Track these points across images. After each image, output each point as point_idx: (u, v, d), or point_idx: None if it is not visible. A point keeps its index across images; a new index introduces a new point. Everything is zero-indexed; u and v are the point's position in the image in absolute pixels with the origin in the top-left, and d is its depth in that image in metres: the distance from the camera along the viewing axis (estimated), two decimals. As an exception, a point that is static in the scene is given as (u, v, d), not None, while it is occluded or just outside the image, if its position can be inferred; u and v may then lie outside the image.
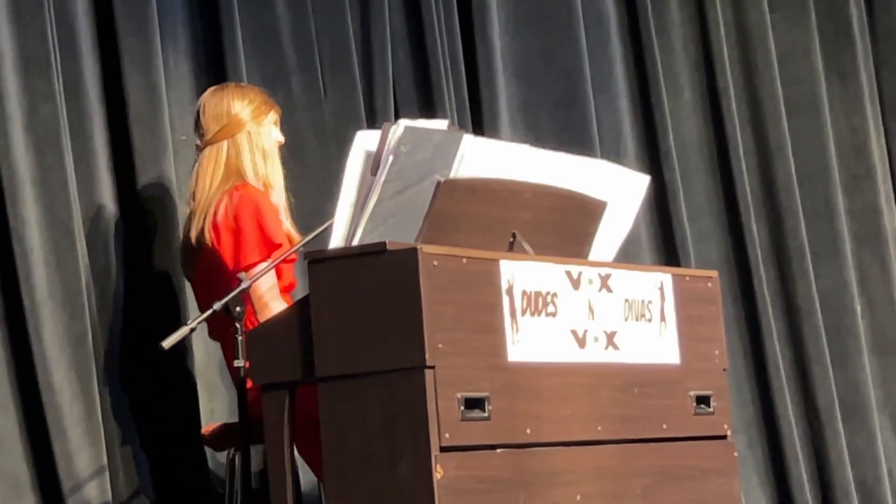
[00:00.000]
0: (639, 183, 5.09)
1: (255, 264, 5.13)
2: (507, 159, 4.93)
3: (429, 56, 6.20)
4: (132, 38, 5.66)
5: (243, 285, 4.70)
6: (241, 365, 4.59)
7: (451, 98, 6.24)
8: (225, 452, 5.23)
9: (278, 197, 5.32)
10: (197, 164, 5.33)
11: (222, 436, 5.11)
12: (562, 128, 6.46)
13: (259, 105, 5.40)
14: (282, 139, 5.36)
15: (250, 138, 5.33)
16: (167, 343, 4.86)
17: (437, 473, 4.19)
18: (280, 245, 5.21)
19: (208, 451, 5.54)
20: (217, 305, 4.72)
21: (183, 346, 5.48)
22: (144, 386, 5.57)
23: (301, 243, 4.97)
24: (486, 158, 4.90)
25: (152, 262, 5.63)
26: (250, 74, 5.90)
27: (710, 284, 5.22)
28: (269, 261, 5.09)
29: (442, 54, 6.25)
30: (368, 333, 4.26)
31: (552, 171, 4.95)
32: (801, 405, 6.95)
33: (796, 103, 7.22)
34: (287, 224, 5.31)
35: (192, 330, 4.91)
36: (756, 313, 6.91)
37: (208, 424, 5.33)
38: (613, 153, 6.60)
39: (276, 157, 5.36)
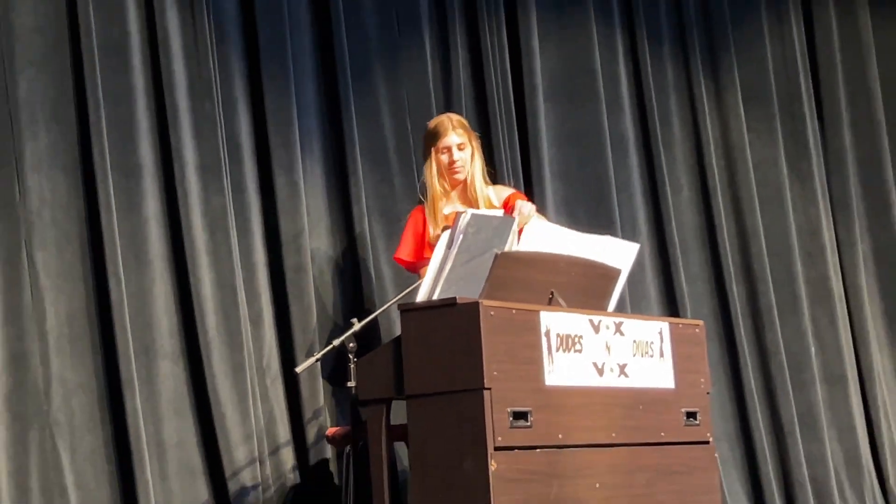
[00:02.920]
0: (632, 249, 5.07)
1: None
2: (549, 237, 4.96)
3: (495, 164, 6.19)
4: (280, 149, 5.68)
5: (356, 328, 4.71)
6: (353, 385, 4.60)
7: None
8: (342, 450, 5.22)
9: None
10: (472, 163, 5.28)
11: (342, 437, 5.08)
12: (593, 216, 6.44)
13: None
14: None
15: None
16: (300, 369, 4.88)
17: (492, 466, 4.18)
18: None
19: (329, 447, 5.52)
20: (336, 342, 4.73)
21: (314, 370, 5.49)
22: (287, 399, 5.57)
23: (397, 298, 4.97)
24: (534, 236, 4.93)
25: (290, 310, 5.62)
26: (365, 176, 5.90)
27: (697, 330, 5.17)
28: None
29: (505, 162, 6.26)
30: (443, 363, 4.26)
31: (578, 245, 4.97)
32: (770, 420, 6.87)
33: (767, 199, 7.16)
34: None
35: (318, 360, 4.93)
36: (736, 352, 6.84)
37: (330, 429, 5.31)
38: (630, 236, 6.58)
39: None
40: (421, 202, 5.31)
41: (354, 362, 4.58)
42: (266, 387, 5.49)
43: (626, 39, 6.89)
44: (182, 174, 5.36)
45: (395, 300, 4.99)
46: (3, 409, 4.86)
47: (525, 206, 5.12)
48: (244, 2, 5.72)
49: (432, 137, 5.26)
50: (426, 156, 5.29)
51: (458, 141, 5.24)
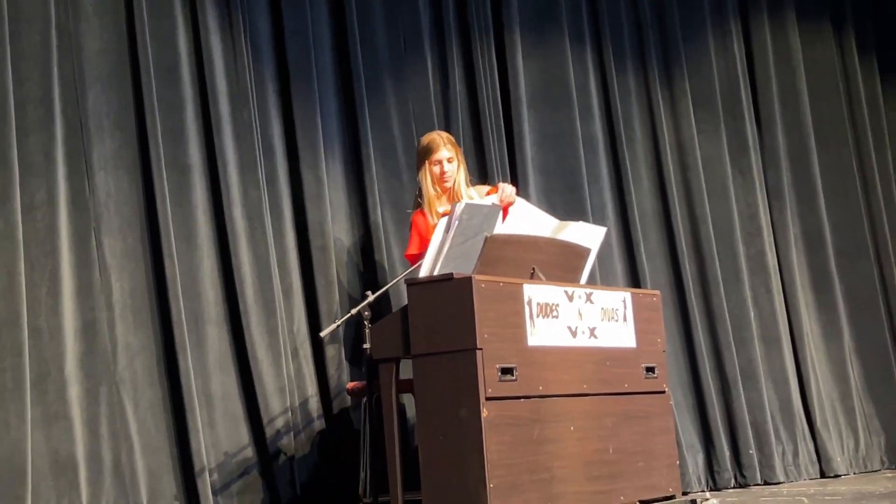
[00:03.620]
0: (600, 232, 5.10)
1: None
2: (532, 217, 4.96)
3: (486, 162, 6.19)
4: (307, 149, 5.67)
5: (370, 299, 4.71)
6: (368, 347, 4.61)
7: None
8: (360, 401, 5.24)
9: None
10: (455, 165, 5.27)
11: (360, 390, 5.10)
12: (568, 204, 6.43)
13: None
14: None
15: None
16: (324, 333, 4.89)
17: (484, 413, 4.20)
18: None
19: (349, 399, 5.52)
20: (354, 311, 4.74)
21: (336, 334, 5.50)
22: (314, 358, 5.56)
23: (404, 274, 4.98)
24: (520, 214, 4.94)
25: (316, 284, 5.62)
26: (377, 172, 5.89)
27: (654, 299, 5.19)
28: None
29: (494, 160, 6.24)
30: (442, 328, 4.28)
31: (555, 228, 4.98)
32: (717, 373, 6.86)
33: (713, 189, 7.14)
34: None
35: (339, 326, 4.93)
36: (688, 316, 6.82)
37: (350, 383, 5.32)
38: (599, 220, 6.57)
39: None
40: (419, 206, 5.32)
41: (369, 328, 4.59)
42: (296, 348, 5.48)
43: (595, 56, 6.87)
44: (224, 171, 5.37)
45: (402, 276, 5.00)
46: (77, 370, 4.87)
47: (507, 188, 5.15)
48: (276, 26, 5.71)
49: (426, 152, 5.28)
50: (420, 167, 5.31)
51: (447, 155, 5.27)
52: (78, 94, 5.05)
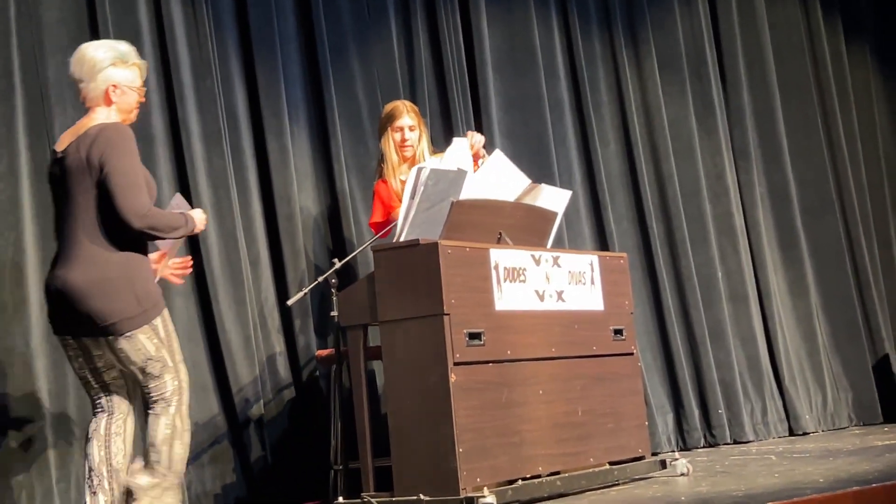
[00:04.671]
0: (565, 194, 5.10)
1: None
2: (505, 172, 4.96)
3: (452, 127, 6.17)
4: (271, 117, 5.64)
5: (336, 266, 4.70)
6: (336, 314, 4.60)
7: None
8: (329, 368, 5.24)
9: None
10: (417, 134, 5.29)
11: (329, 358, 5.09)
12: (536, 168, 6.39)
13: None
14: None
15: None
16: (291, 301, 4.88)
17: (452, 378, 4.21)
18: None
19: (319, 366, 5.52)
20: (321, 278, 4.73)
21: (304, 302, 5.48)
22: (283, 327, 5.54)
23: (369, 242, 4.96)
24: (495, 167, 4.93)
25: (283, 252, 5.60)
26: (343, 139, 5.86)
27: (621, 262, 5.21)
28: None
29: (461, 124, 6.20)
30: (410, 294, 4.28)
31: (523, 189, 4.98)
32: (685, 333, 6.89)
33: (680, 149, 7.15)
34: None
35: (306, 294, 4.92)
36: (656, 278, 6.85)
37: (319, 351, 5.31)
38: (567, 183, 6.57)
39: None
40: (382, 173, 5.30)
41: (336, 295, 4.58)
42: (265, 317, 5.47)
43: (560, 19, 6.85)
44: (188, 141, 5.33)
45: (367, 244, 4.99)
46: (43, 342, 4.82)
47: (476, 136, 5.16)
48: (237, -7, 5.68)
49: (389, 119, 5.29)
50: (382, 133, 5.31)
51: (409, 123, 5.27)
52: (38, 64, 4.99)
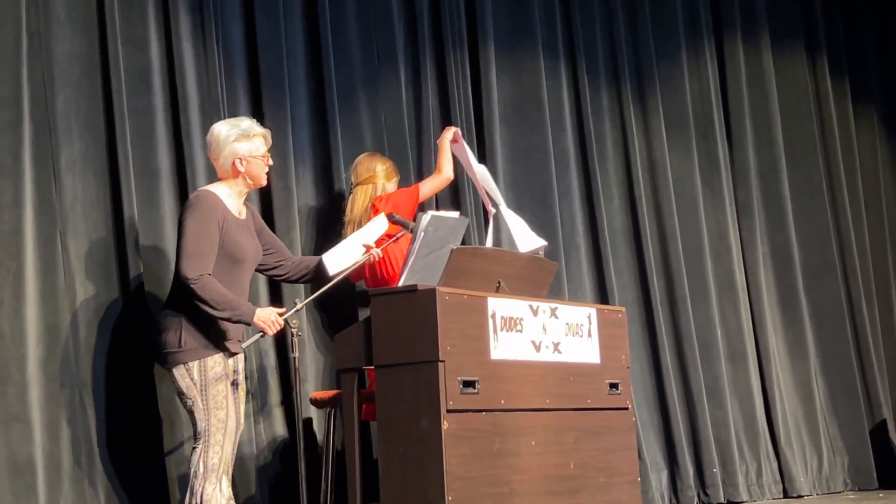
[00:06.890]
0: (540, 241, 5.33)
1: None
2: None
3: (457, 174, 6.14)
4: (277, 158, 5.52)
5: (298, 307, 4.53)
6: (295, 354, 4.46)
7: (473, 202, 6.25)
8: (325, 410, 5.20)
9: None
10: (352, 195, 5.47)
11: (324, 400, 5.09)
12: (539, 219, 6.40)
13: (389, 169, 5.50)
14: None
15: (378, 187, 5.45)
16: (245, 345, 4.52)
17: (444, 426, 4.19)
18: None
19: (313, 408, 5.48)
20: (282, 318, 4.48)
21: (301, 343, 5.44)
22: (279, 368, 5.50)
23: (329, 286, 4.69)
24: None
25: (282, 296, 5.58)
26: (347, 180, 5.85)
27: (619, 315, 5.20)
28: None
29: (466, 174, 6.23)
30: (406, 339, 4.27)
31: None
32: (682, 391, 6.87)
33: (683, 207, 7.16)
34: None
35: (261, 337, 4.60)
36: (655, 333, 6.84)
37: (314, 392, 5.28)
38: (569, 235, 6.59)
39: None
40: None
41: (297, 336, 4.45)
42: (261, 357, 5.44)
43: (568, 71, 6.88)
44: (194, 178, 5.33)
45: (325, 288, 4.67)
46: (39, 372, 4.81)
47: (452, 128, 5.58)
48: (249, 36, 5.70)
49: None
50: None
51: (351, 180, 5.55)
52: (47, 96, 5.02)
